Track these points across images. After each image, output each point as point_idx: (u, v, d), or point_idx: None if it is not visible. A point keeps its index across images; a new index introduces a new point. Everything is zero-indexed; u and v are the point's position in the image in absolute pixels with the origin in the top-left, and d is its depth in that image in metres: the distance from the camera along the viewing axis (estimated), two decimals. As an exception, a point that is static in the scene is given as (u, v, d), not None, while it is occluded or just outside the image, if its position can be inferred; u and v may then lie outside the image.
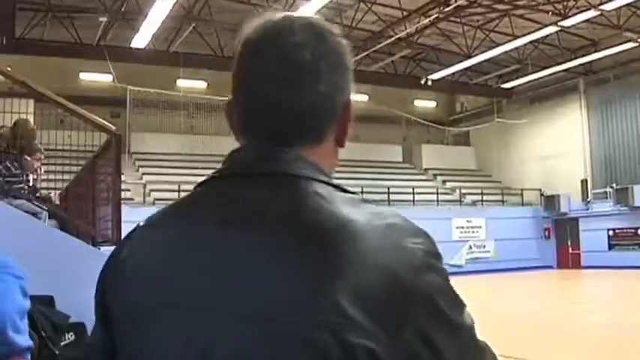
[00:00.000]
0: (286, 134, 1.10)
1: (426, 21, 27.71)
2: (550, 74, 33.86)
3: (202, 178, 1.15)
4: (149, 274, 1.05)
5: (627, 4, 25.08)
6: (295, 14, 1.21)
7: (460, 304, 1.05)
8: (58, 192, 9.26)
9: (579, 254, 34.81)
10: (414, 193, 34.66)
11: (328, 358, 0.89)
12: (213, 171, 1.14)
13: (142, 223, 1.14)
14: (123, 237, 1.20)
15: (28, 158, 7.85)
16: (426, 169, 41.01)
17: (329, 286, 0.92)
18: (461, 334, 1.02)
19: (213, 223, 1.03)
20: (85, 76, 32.63)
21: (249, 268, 0.96)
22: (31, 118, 9.05)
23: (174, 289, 1.01)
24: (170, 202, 1.19)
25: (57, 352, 4.34)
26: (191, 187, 1.22)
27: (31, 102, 9.07)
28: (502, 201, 37.56)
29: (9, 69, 7.95)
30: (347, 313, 0.90)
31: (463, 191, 37.76)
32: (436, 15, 27.02)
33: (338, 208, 1.02)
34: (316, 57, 1.11)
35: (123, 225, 7.19)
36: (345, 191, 1.10)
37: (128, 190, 25.91)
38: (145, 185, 29.88)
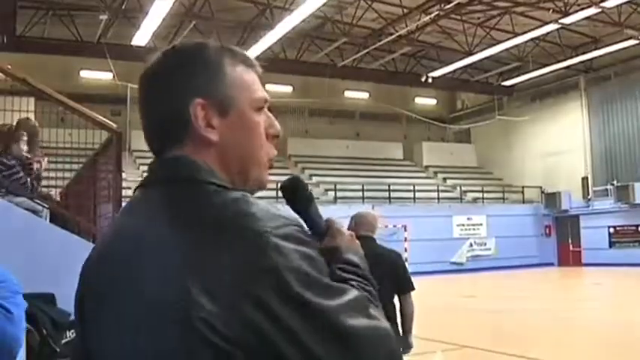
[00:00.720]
0: (155, 143, 1.33)
1: (427, 18, 27.69)
2: (551, 72, 33.88)
3: None
4: (94, 272, 1.27)
5: (628, 1, 25.10)
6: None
7: (325, 287, 1.14)
8: (58, 190, 9.27)
9: (580, 252, 34.81)
10: (414, 191, 34.65)
11: (175, 325, 1.08)
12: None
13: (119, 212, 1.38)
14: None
15: (20, 147, 7.80)
16: (426, 167, 41.01)
17: (183, 277, 1.09)
18: (316, 314, 1.10)
19: (129, 223, 1.27)
20: (85, 74, 32.64)
21: (137, 260, 1.17)
22: (31, 116, 9.05)
23: (101, 284, 1.23)
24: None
25: (57, 350, 4.35)
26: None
27: (32, 100, 9.07)
28: (503, 198, 37.55)
29: (9, 67, 7.95)
30: (192, 296, 1.07)
31: (464, 189, 37.77)
32: (437, 12, 27.01)
33: (205, 205, 1.19)
34: (156, 78, 1.32)
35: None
36: (226, 188, 1.23)
37: (129, 187, 25.80)
38: (145, 183, 29.88)
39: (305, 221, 1.38)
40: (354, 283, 1.26)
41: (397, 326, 5.37)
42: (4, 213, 5.83)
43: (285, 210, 1.24)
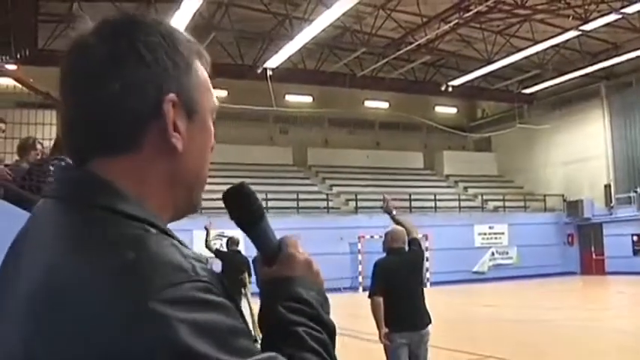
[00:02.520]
0: (81, 149, 1.02)
1: (446, 27, 27.66)
2: (571, 79, 33.68)
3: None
4: None
5: (649, 8, 24.91)
6: (110, 16, 1.06)
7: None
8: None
9: (603, 260, 34.47)
10: (435, 200, 34.54)
11: None
12: None
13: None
14: None
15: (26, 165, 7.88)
16: (447, 176, 40.87)
17: (31, 338, 0.86)
18: None
19: (21, 244, 1.03)
20: (106, 87, 32.88)
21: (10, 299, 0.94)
22: (54, 129, 9.12)
23: None
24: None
25: None
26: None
27: (54, 113, 9.14)
28: (524, 207, 37.30)
29: (31, 80, 8.02)
30: None
31: (485, 197, 37.57)
32: (456, 21, 26.96)
33: (84, 245, 0.91)
34: (100, 62, 0.99)
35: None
36: (138, 219, 0.94)
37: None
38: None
39: (252, 240, 1.18)
40: (299, 329, 1.06)
41: (427, 311, 6.88)
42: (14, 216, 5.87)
43: (195, 255, 0.94)
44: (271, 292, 1.12)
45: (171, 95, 1.00)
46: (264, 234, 1.18)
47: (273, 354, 0.93)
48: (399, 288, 6.67)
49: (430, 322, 6.83)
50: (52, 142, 8.30)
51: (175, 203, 1.06)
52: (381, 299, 6.67)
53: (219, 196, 1.18)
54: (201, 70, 1.10)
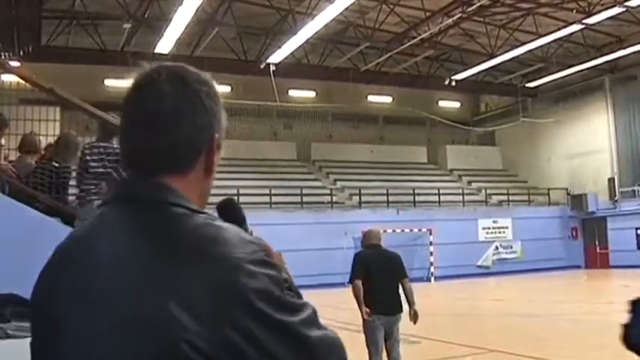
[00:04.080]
0: (152, 168, 1.33)
1: (449, 21, 27.61)
2: (575, 72, 33.60)
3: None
4: (66, 281, 1.29)
5: (653, 0, 24.83)
6: (165, 64, 1.40)
7: (289, 306, 1.24)
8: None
9: (607, 254, 34.47)
10: (439, 194, 34.54)
11: (158, 345, 1.14)
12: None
13: (69, 234, 1.41)
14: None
15: (30, 161, 7.92)
16: (451, 170, 40.86)
17: (163, 297, 1.15)
18: (290, 332, 1.22)
19: (101, 239, 1.30)
20: (109, 83, 32.85)
21: (113, 279, 1.22)
22: (57, 125, 9.12)
23: (77, 294, 1.25)
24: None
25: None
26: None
27: (58, 109, 9.14)
28: (528, 201, 37.29)
29: (34, 77, 8.03)
30: (175, 316, 1.13)
31: (489, 191, 37.55)
32: (459, 15, 26.92)
33: (180, 229, 1.25)
34: (176, 104, 1.33)
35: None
36: (200, 212, 1.31)
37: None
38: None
39: None
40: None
41: (401, 301, 8.01)
42: (31, 221, 5.88)
43: (253, 235, 1.32)
44: None
45: (217, 135, 1.38)
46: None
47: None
48: (376, 275, 7.85)
49: (402, 310, 8.03)
50: (55, 140, 8.32)
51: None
52: (360, 282, 7.82)
53: (219, 192, 1.34)
54: (222, 111, 1.43)
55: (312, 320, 1.28)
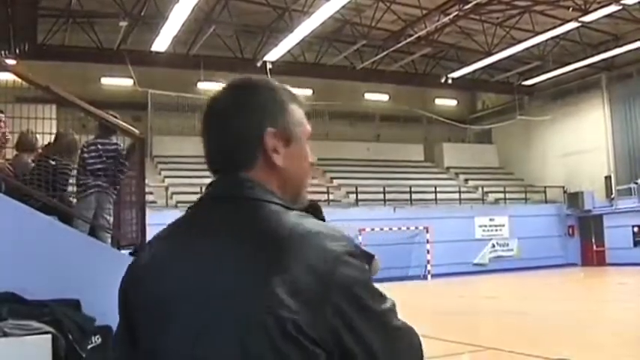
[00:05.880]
0: (228, 167, 1.50)
1: (446, 19, 27.62)
2: (572, 70, 33.61)
3: None
4: (162, 277, 1.43)
5: (649, -2, 24.85)
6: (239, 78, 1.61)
7: (378, 295, 1.37)
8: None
9: (604, 251, 34.52)
10: (436, 192, 34.54)
11: (266, 327, 1.26)
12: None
13: (154, 236, 1.55)
14: (145, 244, 1.58)
15: (27, 159, 7.92)
16: (447, 168, 40.86)
17: (270, 281, 1.27)
18: (380, 319, 1.35)
19: (198, 235, 1.44)
20: (106, 81, 32.84)
21: (218, 269, 1.35)
22: (53, 124, 9.11)
23: (177, 289, 1.39)
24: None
25: (83, 355, 4.37)
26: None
27: (54, 107, 9.14)
28: (525, 199, 37.32)
29: (29, 75, 8.02)
30: (280, 298, 1.26)
31: (485, 189, 37.58)
32: (456, 13, 26.92)
33: (278, 222, 1.38)
34: (233, 109, 1.52)
35: (147, 228, 7.22)
36: (288, 208, 1.44)
37: (151, 193, 26.03)
38: (167, 188, 30.01)
39: None
40: None
41: None
42: (29, 221, 5.88)
43: (339, 229, 1.43)
44: None
45: (271, 129, 1.49)
46: None
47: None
48: None
49: None
50: (53, 139, 8.33)
51: (289, 199, 1.51)
52: None
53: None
54: (295, 109, 1.58)
55: (395, 309, 1.41)
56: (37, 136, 8.20)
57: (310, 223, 1.40)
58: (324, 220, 1.66)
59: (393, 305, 1.41)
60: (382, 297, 1.39)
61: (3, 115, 7.54)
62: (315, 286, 1.29)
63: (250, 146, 1.50)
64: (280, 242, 1.33)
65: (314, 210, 1.65)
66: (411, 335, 1.45)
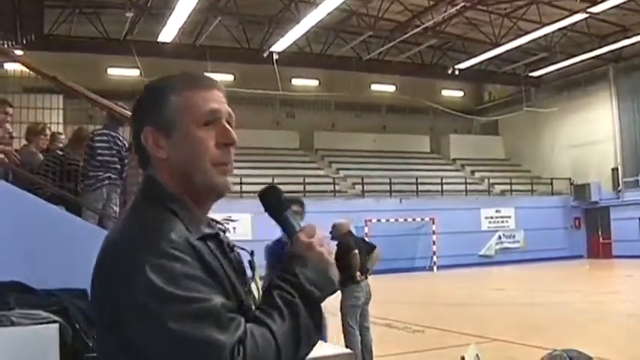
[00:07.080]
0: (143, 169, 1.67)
1: (453, 10, 27.53)
2: (579, 62, 33.45)
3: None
4: None
5: (658, -11, 24.72)
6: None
7: (163, 300, 1.37)
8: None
9: (610, 244, 34.46)
10: (442, 184, 34.52)
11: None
12: None
13: None
14: None
15: (34, 150, 7.95)
16: (454, 159, 40.81)
17: (93, 283, 1.52)
18: (151, 324, 1.37)
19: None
20: (112, 72, 32.85)
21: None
22: (60, 114, 9.13)
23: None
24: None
25: (90, 344, 4.39)
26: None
27: (61, 98, 9.15)
28: (531, 190, 37.24)
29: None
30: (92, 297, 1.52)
31: (492, 181, 37.53)
32: (463, 4, 26.84)
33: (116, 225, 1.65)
34: (132, 111, 1.71)
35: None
36: (173, 198, 1.58)
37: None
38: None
39: (280, 226, 1.69)
40: (275, 291, 1.50)
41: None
42: (37, 210, 5.89)
43: (168, 229, 1.49)
44: (284, 264, 1.56)
45: (148, 127, 1.60)
46: (288, 221, 1.68)
47: (208, 296, 1.40)
48: (360, 253, 9.09)
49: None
50: (72, 133, 8.37)
51: (186, 187, 1.59)
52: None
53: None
54: (181, 98, 1.60)
55: (198, 315, 1.44)
56: (45, 126, 8.22)
57: (127, 228, 1.56)
58: (279, 200, 1.71)
59: (198, 310, 1.46)
60: (168, 303, 1.46)
61: (11, 109, 7.54)
62: (103, 289, 1.51)
63: (140, 147, 1.62)
64: (103, 252, 1.55)
65: (266, 196, 1.70)
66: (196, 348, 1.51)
